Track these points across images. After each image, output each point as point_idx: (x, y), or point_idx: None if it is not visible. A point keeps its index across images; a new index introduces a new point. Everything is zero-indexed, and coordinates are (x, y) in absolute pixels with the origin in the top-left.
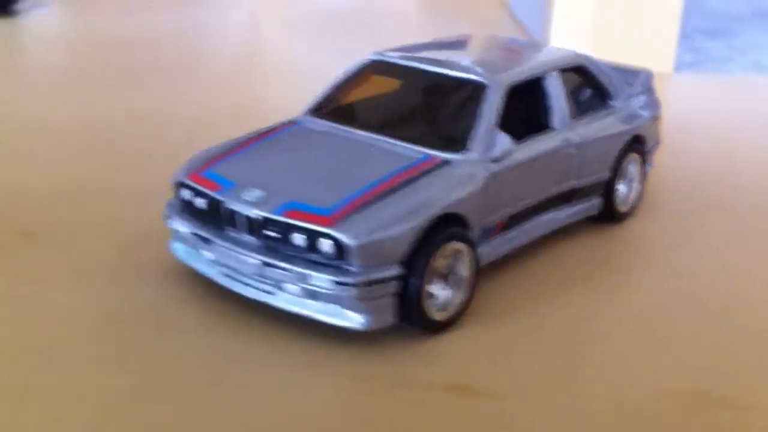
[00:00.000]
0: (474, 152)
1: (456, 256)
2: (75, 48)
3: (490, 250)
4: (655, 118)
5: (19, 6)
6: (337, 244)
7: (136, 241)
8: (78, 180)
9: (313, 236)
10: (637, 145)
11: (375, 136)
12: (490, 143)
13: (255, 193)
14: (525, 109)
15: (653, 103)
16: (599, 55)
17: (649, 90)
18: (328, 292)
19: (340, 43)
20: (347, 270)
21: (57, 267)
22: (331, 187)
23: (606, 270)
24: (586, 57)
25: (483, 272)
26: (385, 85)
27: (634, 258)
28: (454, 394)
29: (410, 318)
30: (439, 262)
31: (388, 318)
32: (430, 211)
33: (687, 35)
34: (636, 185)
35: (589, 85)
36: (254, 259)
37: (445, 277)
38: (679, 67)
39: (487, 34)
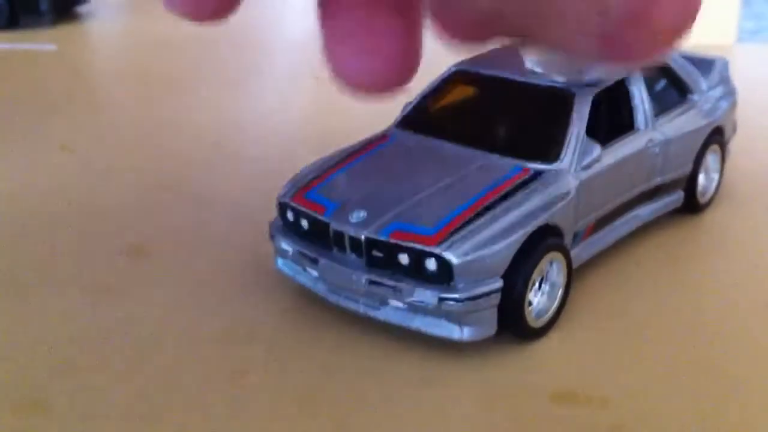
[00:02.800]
0: (565, 162)
1: (551, 263)
2: (150, 50)
3: (581, 252)
4: (733, 108)
5: (81, 9)
6: (442, 262)
7: (241, 257)
8: (178, 190)
9: (418, 256)
10: (717, 136)
11: (466, 148)
12: (580, 152)
13: (360, 215)
14: (609, 113)
15: (730, 93)
16: None
17: (725, 79)
18: (433, 307)
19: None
20: (452, 286)
21: (164, 285)
22: (431, 206)
23: (692, 263)
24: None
25: (573, 275)
26: (470, 95)
27: (719, 249)
28: (561, 402)
29: (510, 326)
30: (536, 271)
31: (491, 329)
32: (528, 225)
33: (747, 3)
34: (715, 176)
35: (669, 81)
36: (360, 277)
37: (541, 284)
38: (741, 35)
39: None
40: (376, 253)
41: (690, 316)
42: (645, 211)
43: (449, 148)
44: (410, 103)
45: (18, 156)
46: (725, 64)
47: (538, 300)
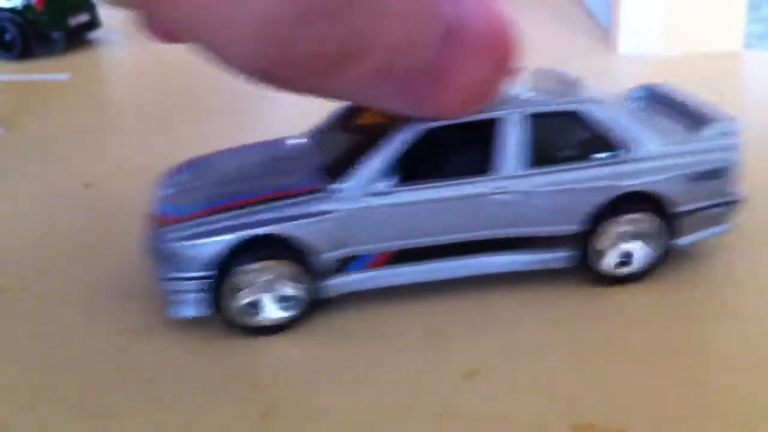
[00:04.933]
0: (347, 185)
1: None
2: (163, 75)
3: (371, 277)
4: (703, 177)
5: (92, 35)
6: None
7: None
8: None
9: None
10: (643, 204)
11: (306, 164)
12: (369, 179)
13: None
14: (458, 149)
15: (717, 160)
16: (669, 38)
17: (720, 145)
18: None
19: None
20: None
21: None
22: (205, 195)
23: (707, 292)
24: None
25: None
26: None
27: (736, 280)
28: None
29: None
30: (249, 272)
31: (204, 310)
32: (248, 231)
33: (754, 7)
34: (642, 249)
35: (583, 131)
36: None
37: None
38: (749, 40)
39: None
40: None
41: (707, 345)
42: (498, 261)
43: (308, 158)
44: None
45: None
46: (728, 125)
47: (267, 302)
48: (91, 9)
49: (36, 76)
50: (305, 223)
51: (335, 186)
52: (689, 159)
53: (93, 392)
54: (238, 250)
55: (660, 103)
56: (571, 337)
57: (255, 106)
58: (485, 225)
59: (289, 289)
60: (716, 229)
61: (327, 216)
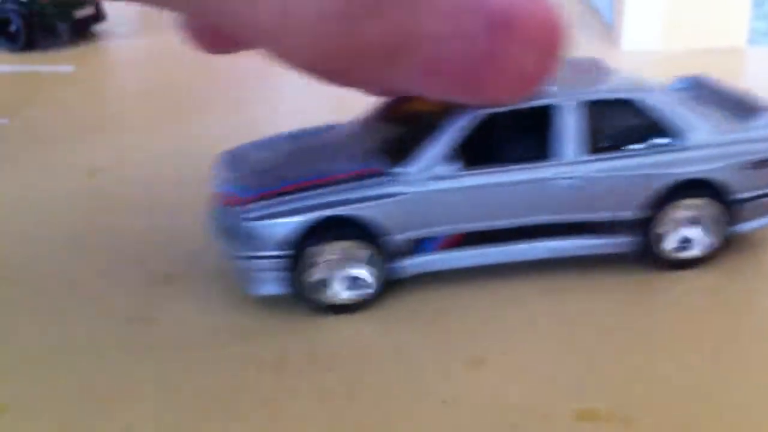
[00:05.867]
0: (412, 168)
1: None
2: (168, 68)
3: (438, 259)
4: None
5: (97, 28)
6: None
7: None
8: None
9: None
10: (700, 190)
11: (366, 146)
12: (433, 163)
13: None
14: (517, 136)
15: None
16: (672, 34)
17: None
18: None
19: None
20: (246, 245)
21: (193, 310)
22: (274, 177)
23: (723, 283)
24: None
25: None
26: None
27: (756, 275)
28: (583, 420)
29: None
30: (322, 253)
31: (279, 288)
32: (319, 213)
33: (758, 3)
34: (700, 234)
35: (636, 119)
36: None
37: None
38: (752, 36)
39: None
40: (221, 207)
41: (715, 333)
42: (562, 245)
43: (363, 143)
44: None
45: (44, 180)
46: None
47: (338, 279)
48: (95, 1)
49: (40, 68)
50: (375, 204)
51: (400, 169)
52: (743, 147)
53: (101, 377)
54: (311, 230)
55: (703, 93)
56: (578, 325)
57: (260, 99)
58: (547, 210)
59: (360, 270)
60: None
61: (395, 198)
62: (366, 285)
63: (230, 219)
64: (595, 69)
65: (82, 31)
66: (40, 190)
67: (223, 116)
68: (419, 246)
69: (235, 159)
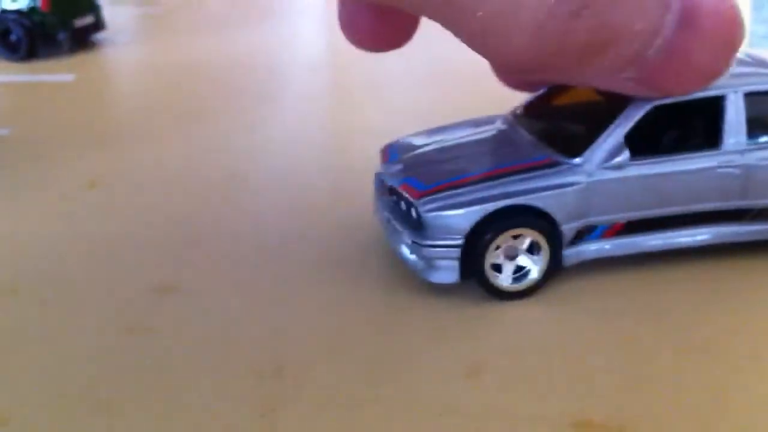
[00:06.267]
0: (586, 158)
1: (522, 238)
2: (168, 77)
3: (604, 246)
4: None
5: (98, 36)
6: (418, 213)
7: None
8: (206, 223)
9: (408, 205)
10: None
11: (533, 138)
12: (608, 153)
13: (398, 167)
14: (685, 125)
15: None
16: None
17: None
18: (411, 248)
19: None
20: (423, 234)
21: (196, 322)
22: (448, 170)
23: (713, 287)
24: None
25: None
26: (568, 99)
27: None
28: (578, 430)
29: (479, 283)
30: (500, 239)
31: (453, 276)
32: (499, 202)
33: (757, 7)
34: None
35: None
36: (385, 215)
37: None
38: (752, 41)
39: None
40: (394, 198)
41: (708, 342)
42: (726, 231)
43: (523, 136)
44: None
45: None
46: None
47: (508, 267)
48: (96, 10)
49: (41, 77)
50: (552, 194)
51: (576, 160)
52: None
53: (100, 388)
54: (488, 220)
55: None
56: (573, 334)
57: (260, 106)
58: (712, 197)
59: (534, 258)
60: None
61: (571, 188)
62: (532, 274)
63: (411, 210)
64: (751, 60)
65: (83, 39)
66: (40, 200)
67: (224, 124)
68: (586, 235)
69: (400, 151)
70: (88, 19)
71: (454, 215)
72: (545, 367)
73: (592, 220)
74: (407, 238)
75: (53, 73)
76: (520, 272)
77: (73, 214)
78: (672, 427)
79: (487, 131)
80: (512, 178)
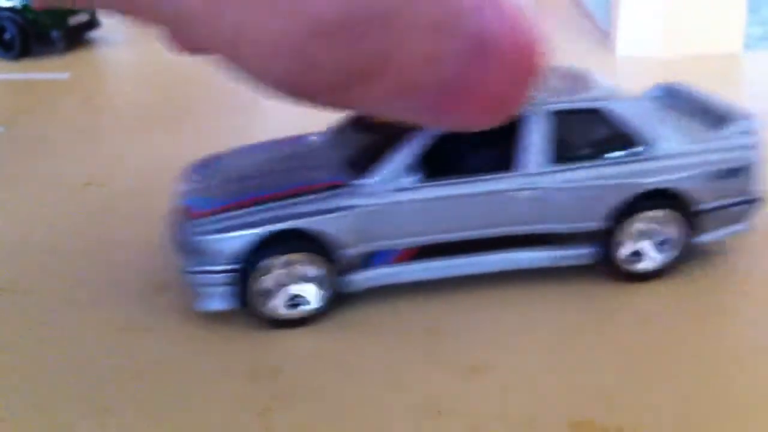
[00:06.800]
0: (371, 180)
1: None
2: (161, 76)
3: (396, 272)
4: (724, 176)
5: (92, 35)
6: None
7: None
8: None
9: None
10: (664, 201)
11: (338, 160)
12: (394, 176)
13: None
14: (481, 148)
15: (736, 159)
16: (668, 40)
17: (741, 144)
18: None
19: None
20: (201, 259)
21: (190, 320)
22: (237, 189)
23: (711, 296)
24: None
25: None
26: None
27: (738, 286)
28: (577, 430)
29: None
30: (274, 266)
31: (227, 304)
32: (271, 226)
33: (754, 9)
34: (655, 246)
35: (603, 129)
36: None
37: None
38: (748, 42)
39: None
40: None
41: (715, 346)
42: (522, 257)
43: (329, 155)
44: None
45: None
46: (747, 124)
47: (282, 294)
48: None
49: (35, 76)
50: (331, 217)
51: (360, 181)
52: (710, 157)
53: (96, 389)
54: (264, 243)
55: (678, 101)
56: (572, 336)
57: (253, 106)
58: (509, 221)
59: (304, 287)
60: (736, 228)
61: (353, 210)
62: (308, 302)
63: (184, 233)
64: (575, 78)
65: (77, 38)
66: (35, 200)
67: (219, 123)
68: (373, 259)
69: (204, 169)
70: (83, 17)
71: (227, 239)
72: (545, 367)
73: (380, 244)
74: (181, 262)
75: (48, 72)
76: (295, 300)
77: (67, 213)
78: (670, 429)
79: (302, 147)
80: (298, 199)
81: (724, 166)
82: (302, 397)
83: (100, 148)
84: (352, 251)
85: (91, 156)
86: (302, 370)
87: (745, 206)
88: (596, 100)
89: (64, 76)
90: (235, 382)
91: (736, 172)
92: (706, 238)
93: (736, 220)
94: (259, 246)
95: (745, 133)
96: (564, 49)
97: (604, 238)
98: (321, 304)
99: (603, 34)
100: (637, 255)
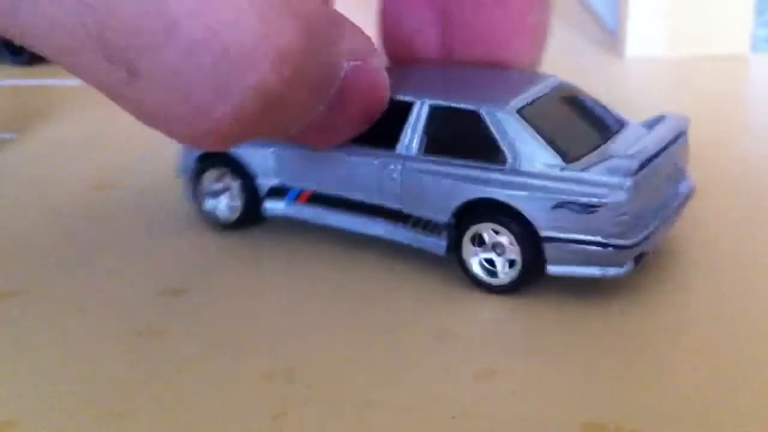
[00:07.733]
0: None
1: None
2: None
3: (294, 210)
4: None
5: None
6: None
7: None
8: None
9: None
10: (503, 218)
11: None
12: None
13: None
14: (381, 123)
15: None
16: (674, 40)
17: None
18: None
19: None
20: None
21: (204, 325)
22: None
23: (734, 287)
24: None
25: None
26: None
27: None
28: None
29: None
30: None
31: None
32: None
33: (760, 10)
34: (498, 258)
35: (480, 136)
36: None
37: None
38: (755, 44)
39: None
40: None
41: (724, 342)
42: (385, 227)
43: None
44: None
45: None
46: (627, 164)
47: (219, 204)
48: None
49: (46, 81)
50: (254, 151)
51: None
52: (566, 186)
53: (111, 393)
54: (205, 158)
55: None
56: (586, 337)
57: None
58: (380, 194)
59: (236, 199)
60: (590, 270)
61: (270, 149)
62: (238, 209)
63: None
64: (510, 81)
65: None
66: (47, 204)
67: None
68: (283, 195)
69: None
70: None
71: (186, 155)
72: (558, 368)
73: (284, 182)
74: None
75: (59, 78)
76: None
77: (82, 215)
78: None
79: None
80: None
81: (573, 199)
82: (317, 401)
83: (113, 152)
84: (263, 182)
85: (104, 159)
86: (317, 374)
87: (599, 249)
88: (478, 104)
89: (75, 81)
90: (250, 385)
91: (588, 209)
92: (554, 270)
93: (591, 260)
94: (201, 160)
95: (618, 172)
96: (570, 50)
97: (455, 237)
98: (230, 213)
99: (610, 35)
100: (492, 265)
